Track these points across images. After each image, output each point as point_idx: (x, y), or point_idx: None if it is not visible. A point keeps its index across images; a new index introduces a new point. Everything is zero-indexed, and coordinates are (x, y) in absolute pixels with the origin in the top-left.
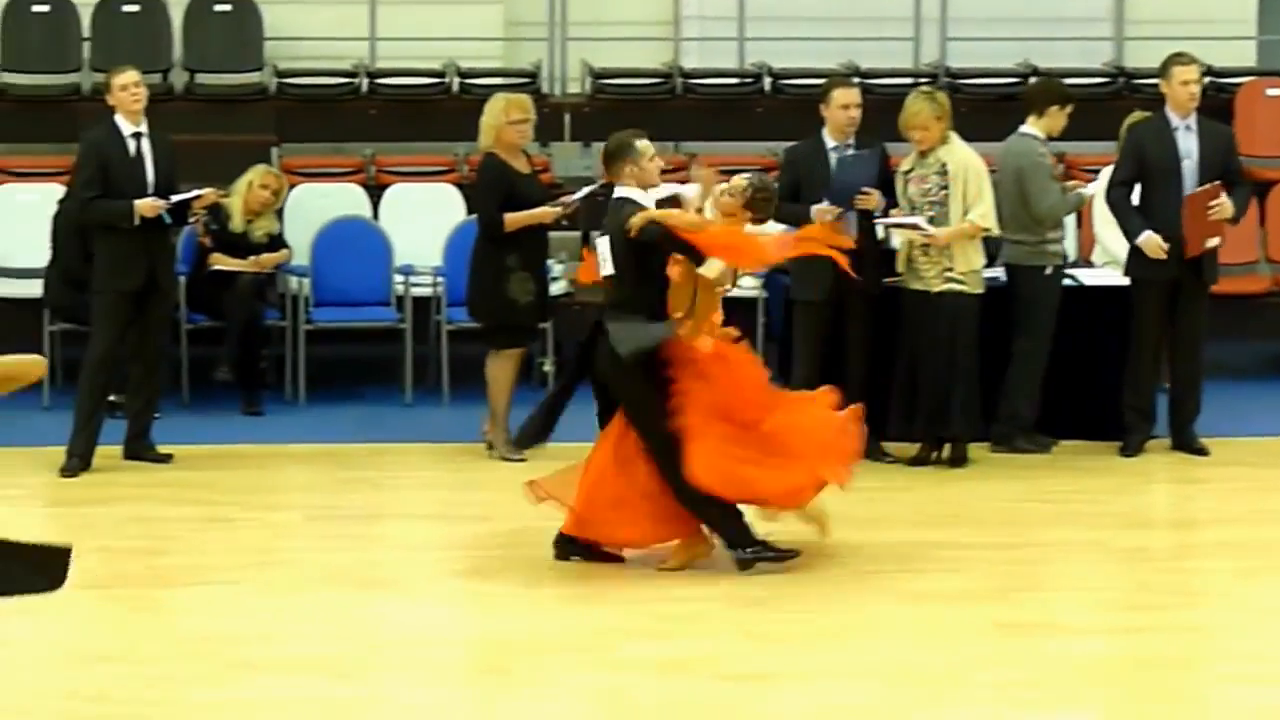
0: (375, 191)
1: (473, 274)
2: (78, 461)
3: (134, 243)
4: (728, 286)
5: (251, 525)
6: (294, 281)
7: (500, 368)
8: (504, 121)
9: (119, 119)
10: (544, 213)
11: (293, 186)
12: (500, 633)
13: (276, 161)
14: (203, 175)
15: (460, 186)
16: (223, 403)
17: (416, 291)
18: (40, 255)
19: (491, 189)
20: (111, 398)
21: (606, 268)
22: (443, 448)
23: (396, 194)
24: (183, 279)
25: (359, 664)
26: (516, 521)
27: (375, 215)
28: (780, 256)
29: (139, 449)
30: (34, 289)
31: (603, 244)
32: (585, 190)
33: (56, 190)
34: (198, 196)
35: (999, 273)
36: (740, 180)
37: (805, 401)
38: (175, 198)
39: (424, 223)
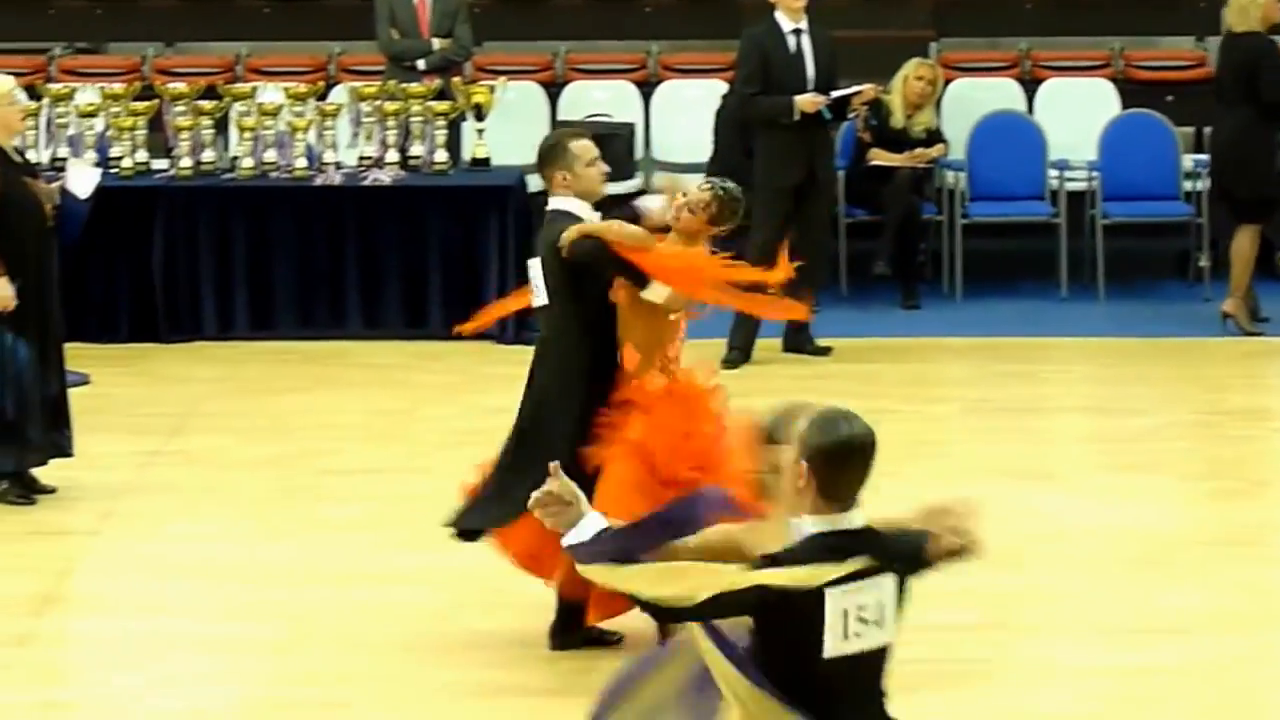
0: (1030, 86)
1: (1237, 150)
2: (738, 354)
3: (794, 138)
4: (683, 314)
5: (911, 417)
6: (950, 176)
7: (1251, 242)
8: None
9: (779, 15)
10: None
11: (949, 82)
12: (1154, 525)
13: (935, 56)
14: (861, 71)
15: (1115, 81)
16: (881, 296)
17: (1071, 186)
18: (703, 150)
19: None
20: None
21: (540, 297)
22: (1098, 342)
23: (1051, 88)
24: (842, 174)
25: (1016, 554)
26: (1170, 414)
27: (1030, 109)
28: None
29: (799, 342)
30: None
31: (534, 266)
32: None
33: (719, 86)
34: (857, 93)
35: None
36: (702, 192)
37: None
38: (835, 93)
39: (1078, 117)
